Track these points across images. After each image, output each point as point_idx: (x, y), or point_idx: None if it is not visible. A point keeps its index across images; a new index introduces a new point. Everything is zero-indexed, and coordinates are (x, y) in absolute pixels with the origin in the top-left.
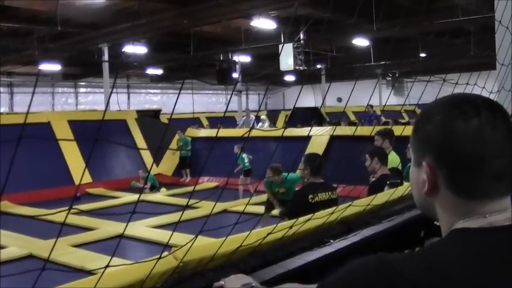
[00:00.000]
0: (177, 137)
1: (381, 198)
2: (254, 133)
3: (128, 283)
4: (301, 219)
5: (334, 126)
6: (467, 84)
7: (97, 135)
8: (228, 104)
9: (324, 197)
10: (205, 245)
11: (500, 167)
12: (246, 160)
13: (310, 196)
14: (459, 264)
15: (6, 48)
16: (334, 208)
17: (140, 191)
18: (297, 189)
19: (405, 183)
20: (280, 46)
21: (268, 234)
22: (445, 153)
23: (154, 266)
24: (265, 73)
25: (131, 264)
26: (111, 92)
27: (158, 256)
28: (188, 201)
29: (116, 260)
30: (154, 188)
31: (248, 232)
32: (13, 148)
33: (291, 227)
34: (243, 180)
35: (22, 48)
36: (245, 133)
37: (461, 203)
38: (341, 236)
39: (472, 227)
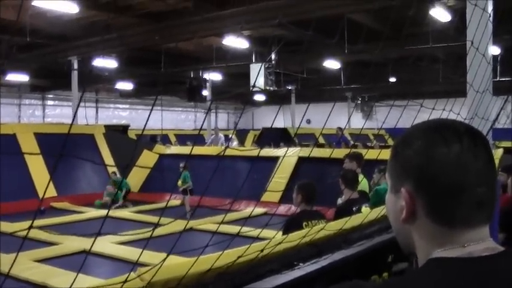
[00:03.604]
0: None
1: (352, 221)
2: (225, 152)
3: None
4: (274, 241)
5: (300, 148)
6: (444, 110)
7: (63, 149)
8: (204, 121)
9: (317, 225)
10: (173, 266)
11: (480, 195)
12: (190, 179)
13: (305, 223)
14: None
15: None
16: (306, 231)
17: (107, 206)
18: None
19: (366, 209)
20: (252, 66)
21: (239, 257)
22: (425, 180)
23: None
24: (237, 92)
25: (97, 286)
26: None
27: (125, 278)
28: (159, 220)
29: (80, 277)
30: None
31: (219, 253)
32: None
33: (261, 251)
34: (188, 198)
35: None
36: (220, 152)
37: (440, 231)
38: (310, 259)
39: (449, 257)
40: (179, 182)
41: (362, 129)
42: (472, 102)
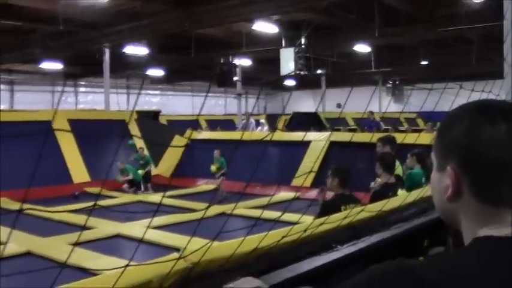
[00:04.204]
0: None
1: (391, 204)
2: (254, 136)
3: (138, 283)
4: (316, 222)
5: (331, 132)
6: (483, 91)
7: (124, 133)
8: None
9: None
10: (215, 247)
11: None
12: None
13: (343, 207)
14: (482, 273)
15: (7, 46)
16: (347, 212)
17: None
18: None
19: (402, 192)
20: (282, 50)
21: (283, 237)
22: (471, 158)
23: (172, 268)
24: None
25: (143, 264)
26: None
27: (178, 255)
28: (209, 205)
29: (115, 260)
30: (135, 184)
31: (263, 234)
32: (13, 145)
33: (305, 231)
34: (223, 182)
35: (24, 46)
36: (267, 136)
37: (485, 210)
38: (347, 241)
39: (497, 236)
40: (213, 168)
41: (401, 112)
42: (511, 83)
